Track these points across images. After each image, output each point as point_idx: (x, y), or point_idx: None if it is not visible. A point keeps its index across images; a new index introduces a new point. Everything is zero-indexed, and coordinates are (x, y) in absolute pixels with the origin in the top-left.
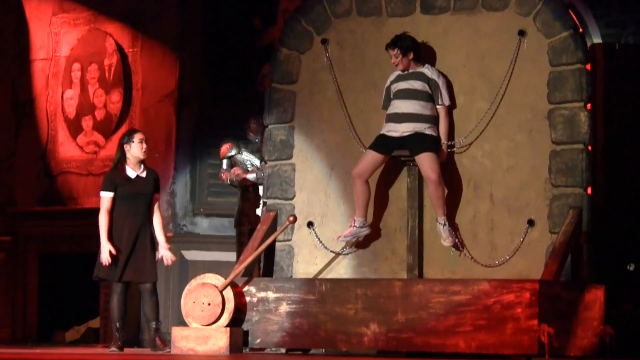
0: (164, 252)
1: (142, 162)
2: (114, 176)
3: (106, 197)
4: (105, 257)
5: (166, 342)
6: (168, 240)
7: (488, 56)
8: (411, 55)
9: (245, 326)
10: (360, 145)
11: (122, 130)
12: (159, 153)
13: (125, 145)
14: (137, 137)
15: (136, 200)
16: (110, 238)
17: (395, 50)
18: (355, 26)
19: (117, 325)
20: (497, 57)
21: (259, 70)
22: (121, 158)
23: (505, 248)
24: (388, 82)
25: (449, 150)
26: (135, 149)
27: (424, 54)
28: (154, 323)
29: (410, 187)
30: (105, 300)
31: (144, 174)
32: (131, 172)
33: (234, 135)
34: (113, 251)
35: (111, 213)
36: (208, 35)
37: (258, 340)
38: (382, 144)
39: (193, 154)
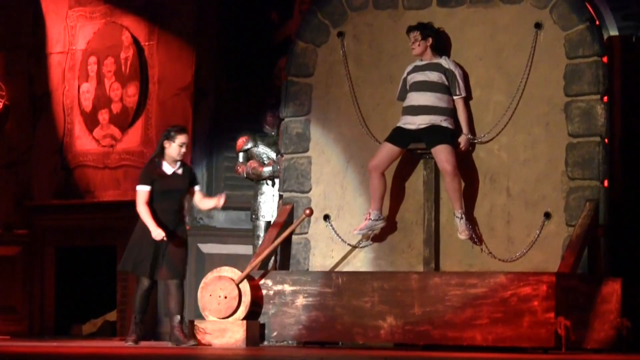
0: (214, 201)
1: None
2: (151, 170)
3: (143, 190)
4: (159, 234)
5: (189, 335)
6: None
7: (505, 49)
8: (430, 41)
9: (261, 319)
10: (373, 139)
11: (138, 123)
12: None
13: (165, 141)
14: (180, 139)
15: (170, 197)
16: (145, 231)
17: (416, 32)
18: (372, 19)
19: (137, 319)
20: (514, 50)
21: (276, 63)
22: (160, 152)
23: (522, 241)
24: (405, 73)
25: (470, 142)
26: (172, 149)
27: (441, 46)
28: (178, 317)
29: (426, 179)
30: (123, 293)
31: (180, 171)
32: (168, 168)
33: (250, 128)
34: (164, 237)
35: (150, 205)
36: (224, 29)
37: (275, 333)
38: (399, 136)
39: (209, 147)
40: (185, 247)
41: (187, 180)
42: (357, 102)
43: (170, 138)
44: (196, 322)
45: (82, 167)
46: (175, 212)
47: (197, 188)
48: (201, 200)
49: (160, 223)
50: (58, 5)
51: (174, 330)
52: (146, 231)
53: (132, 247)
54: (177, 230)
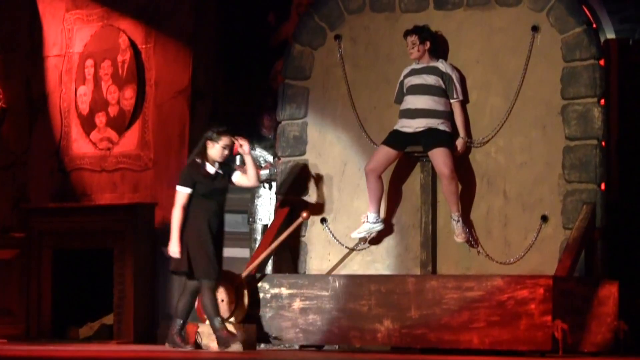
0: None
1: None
2: (193, 172)
3: (184, 192)
4: (174, 252)
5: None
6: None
7: (502, 52)
8: (428, 45)
9: (259, 322)
10: (370, 142)
11: (135, 126)
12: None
13: (208, 141)
14: (223, 141)
15: (216, 197)
16: (183, 235)
17: (414, 36)
18: (369, 22)
19: (220, 319)
20: (511, 53)
21: (273, 66)
22: (201, 153)
23: (519, 244)
24: (402, 77)
25: (467, 145)
26: (215, 151)
27: (438, 49)
28: (219, 318)
29: (423, 183)
30: (120, 296)
31: (220, 170)
32: (210, 168)
33: (247, 131)
34: (177, 254)
35: (186, 210)
36: (222, 31)
37: (271, 336)
38: (396, 139)
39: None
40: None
41: (227, 179)
42: (354, 105)
43: (213, 139)
44: (193, 326)
45: (79, 170)
46: (220, 213)
47: (235, 175)
48: (243, 176)
49: (208, 225)
50: (55, 8)
51: (217, 332)
52: (200, 232)
53: (208, 253)
54: (221, 232)
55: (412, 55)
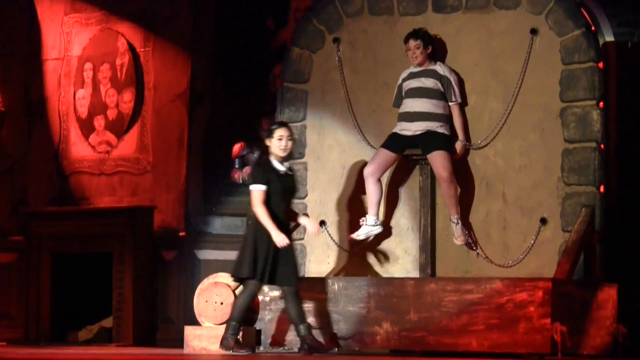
0: (306, 221)
1: (284, 158)
2: (265, 169)
3: (260, 189)
4: (282, 240)
5: (320, 342)
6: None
7: (500, 55)
8: (429, 50)
9: (257, 325)
10: (368, 145)
11: (134, 130)
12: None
13: (267, 140)
14: (277, 133)
15: (284, 197)
16: (261, 234)
17: (418, 41)
18: (367, 25)
19: (234, 323)
20: (510, 56)
21: (271, 69)
22: (266, 151)
23: (518, 247)
24: (400, 80)
25: (466, 148)
26: (274, 146)
27: (436, 52)
28: (305, 325)
29: (422, 186)
30: (118, 299)
31: (289, 171)
32: (279, 166)
33: (246, 134)
34: (286, 240)
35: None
36: (220, 35)
37: (270, 339)
38: (395, 142)
39: (205, 153)
40: (294, 250)
41: (294, 180)
42: (352, 109)
43: (270, 136)
44: (192, 328)
45: (78, 174)
46: (288, 212)
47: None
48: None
49: (279, 226)
50: (53, 11)
51: (306, 340)
52: (262, 233)
53: (246, 252)
54: (289, 233)
55: (416, 60)
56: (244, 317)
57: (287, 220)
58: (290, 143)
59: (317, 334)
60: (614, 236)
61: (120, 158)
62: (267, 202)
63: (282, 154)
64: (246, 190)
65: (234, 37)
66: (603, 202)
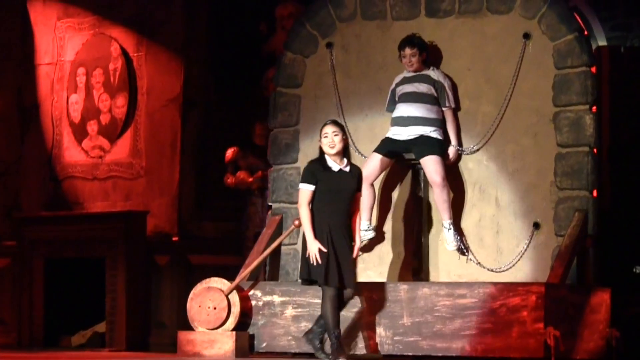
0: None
1: (344, 155)
2: (315, 168)
3: (306, 189)
4: (314, 254)
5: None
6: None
7: (493, 59)
8: (424, 56)
9: (251, 330)
10: (356, 151)
11: (127, 134)
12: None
13: (318, 141)
14: (323, 131)
15: (339, 197)
16: (320, 236)
17: (415, 49)
18: (360, 30)
19: (336, 334)
20: (503, 61)
21: (264, 74)
22: (320, 152)
23: (511, 251)
24: (393, 85)
25: (459, 152)
26: (324, 144)
27: (430, 57)
28: (338, 331)
29: (415, 190)
30: (112, 304)
31: (347, 168)
32: (334, 165)
33: (239, 139)
34: (323, 249)
35: (311, 208)
36: (213, 40)
37: (264, 344)
38: (388, 147)
39: (199, 158)
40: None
41: (355, 180)
42: (343, 114)
43: (320, 137)
44: (185, 333)
45: (71, 179)
46: (344, 213)
47: (358, 194)
48: (358, 215)
49: (329, 226)
50: (47, 16)
51: (333, 346)
52: (330, 237)
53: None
54: (346, 235)
55: (413, 67)
56: (339, 323)
57: (341, 221)
58: (337, 139)
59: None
60: (607, 240)
61: (113, 163)
62: (317, 202)
63: (331, 152)
64: (239, 195)
65: (227, 41)
66: (596, 206)
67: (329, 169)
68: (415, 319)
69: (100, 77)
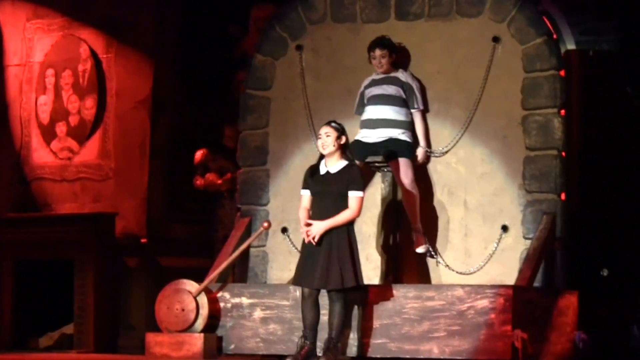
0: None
1: (341, 156)
2: (307, 173)
3: (302, 194)
4: (303, 231)
5: (333, 359)
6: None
7: (463, 63)
8: (394, 58)
9: (219, 332)
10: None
11: (96, 136)
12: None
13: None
14: (320, 131)
15: (323, 199)
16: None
17: (385, 50)
18: (331, 32)
19: (302, 332)
20: (472, 64)
21: (235, 76)
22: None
23: (480, 254)
24: (362, 87)
25: (428, 155)
26: (318, 145)
27: (399, 60)
28: (332, 333)
29: (384, 193)
30: (80, 306)
31: (335, 169)
32: (322, 167)
33: (208, 141)
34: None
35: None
36: (184, 42)
37: (232, 346)
38: (357, 149)
39: (168, 160)
40: (343, 254)
41: (342, 182)
42: (311, 117)
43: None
44: (153, 335)
45: (40, 180)
46: (330, 216)
47: (350, 194)
48: (345, 211)
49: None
50: (16, 17)
51: (324, 347)
52: (304, 240)
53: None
54: (330, 237)
55: (383, 68)
56: (309, 324)
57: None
58: (328, 140)
59: (278, 340)
60: (575, 243)
61: (82, 164)
62: (311, 205)
63: (323, 152)
64: (208, 197)
65: (198, 43)
66: (564, 209)
67: (316, 172)
68: (384, 321)
69: (70, 78)
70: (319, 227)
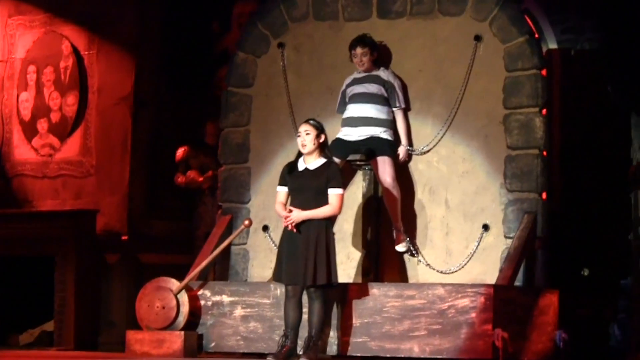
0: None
1: (320, 154)
2: (285, 169)
3: (278, 190)
4: (283, 220)
5: (314, 357)
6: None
7: (445, 61)
8: (375, 56)
9: (199, 330)
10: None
11: (78, 133)
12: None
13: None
14: (299, 129)
15: (300, 196)
16: (282, 237)
17: (366, 48)
18: (312, 30)
19: (283, 331)
20: (454, 62)
21: (217, 73)
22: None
23: (461, 253)
24: (344, 86)
25: (409, 153)
26: (298, 143)
27: (381, 58)
28: (312, 331)
29: (365, 191)
30: (60, 303)
31: (314, 167)
32: (301, 164)
33: (190, 138)
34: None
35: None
36: (166, 39)
37: (213, 344)
38: (338, 147)
39: (150, 157)
40: (321, 251)
41: (321, 179)
42: (293, 115)
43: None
44: (133, 333)
45: (21, 177)
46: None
47: (330, 191)
48: (326, 207)
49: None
50: None
51: (304, 345)
52: (283, 235)
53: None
54: (309, 233)
55: (364, 66)
56: (291, 323)
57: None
58: (308, 138)
59: (258, 338)
60: (556, 243)
61: (63, 161)
62: (290, 202)
63: (303, 150)
64: (189, 194)
65: (180, 40)
66: (545, 208)
67: (295, 169)
68: (364, 320)
69: (51, 75)
70: (299, 214)
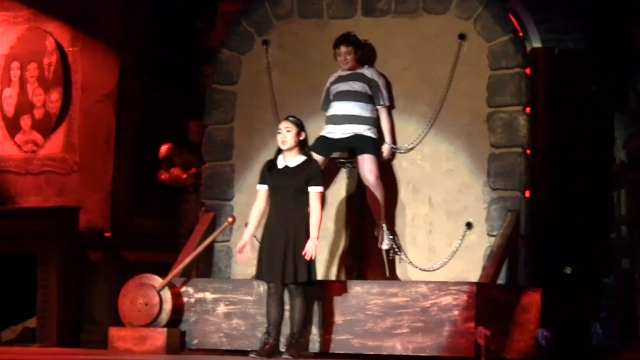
0: (307, 245)
1: (300, 151)
2: (264, 167)
3: (257, 189)
4: (239, 248)
5: (296, 354)
6: (317, 236)
7: (429, 59)
8: (359, 54)
9: (182, 327)
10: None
11: (61, 129)
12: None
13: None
14: (280, 125)
15: (280, 193)
16: (263, 233)
17: (350, 47)
18: (297, 28)
19: (265, 329)
20: (438, 61)
21: (201, 71)
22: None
23: (444, 251)
24: (328, 84)
25: (393, 151)
26: (277, 140)
27: (366, 56)
28: (294, 329)
29: (349, 189)
30: (43, 299)
31: (294, 164)
32: (281, 162)
33: (174, 135)
34: (247, 248)
35: (261, 206)
36: (150, 36)
37: (195, 341)
38: (322, 145)
39: (133, 154)
40: (299, 248)
41: (301, 177)
42: (277, 112)
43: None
44: (116, 329)
45: (4, 173)
46: (287, 210)
47: (311, 190)
48: (312, 210)
49: (270, 221)
50: None
51: (287, 342)
52: (264, 233)
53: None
54: (288, 230)
55: (348, 64)
56: (273, 320)
57: (282, 217)
58: (288, 135)
59: (241, 336)
60: (538, 241)
61: (46, 158)
62: (269, 199)
63: (283, 147)
64: (173, 191)
65: (165, 38)
66: (528, 207)
67: (274, 167)
68: (347, 317)
69: (35, 71)
70: (313, 241)
